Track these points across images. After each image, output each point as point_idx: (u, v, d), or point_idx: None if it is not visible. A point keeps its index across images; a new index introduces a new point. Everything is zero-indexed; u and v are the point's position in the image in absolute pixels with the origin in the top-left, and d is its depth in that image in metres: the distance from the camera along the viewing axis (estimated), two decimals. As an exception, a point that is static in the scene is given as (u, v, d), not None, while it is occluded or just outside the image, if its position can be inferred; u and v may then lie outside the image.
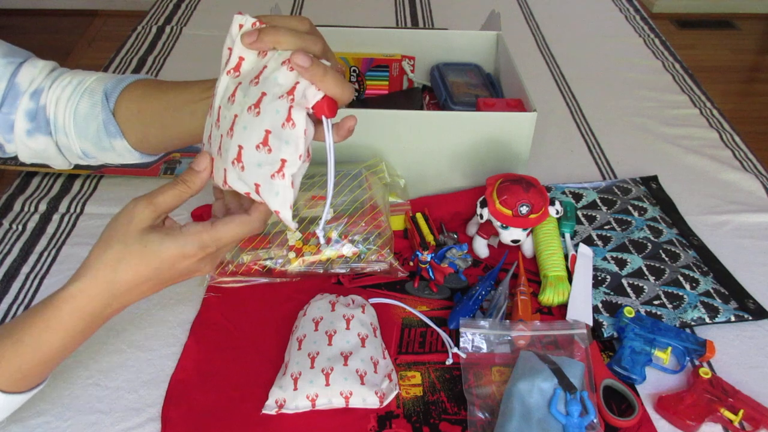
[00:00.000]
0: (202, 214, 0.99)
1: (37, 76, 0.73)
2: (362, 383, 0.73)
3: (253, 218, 0.62)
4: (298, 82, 0.56)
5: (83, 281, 0.60)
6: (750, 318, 0.86)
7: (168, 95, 0.71)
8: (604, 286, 0.89)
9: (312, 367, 0.74)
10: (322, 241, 0.67)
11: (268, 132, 0.56)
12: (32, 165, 1.09)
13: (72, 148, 0.75)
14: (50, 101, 0.73)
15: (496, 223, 0.90)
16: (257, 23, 0.59)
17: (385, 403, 0.73)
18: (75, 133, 0.73)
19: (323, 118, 0.57)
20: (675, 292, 0.88)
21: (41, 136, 0.74)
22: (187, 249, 0.60)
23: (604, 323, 0.84)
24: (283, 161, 0.57)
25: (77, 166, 0.81)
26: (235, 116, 0.58)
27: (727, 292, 0.89)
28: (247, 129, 0.57)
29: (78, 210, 1.02)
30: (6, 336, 0.60)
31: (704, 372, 0.77)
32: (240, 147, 0.58)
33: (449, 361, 0.79)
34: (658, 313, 0.85)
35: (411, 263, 0.91)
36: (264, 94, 0.56)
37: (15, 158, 0.78)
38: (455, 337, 0.82)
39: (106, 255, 0.60)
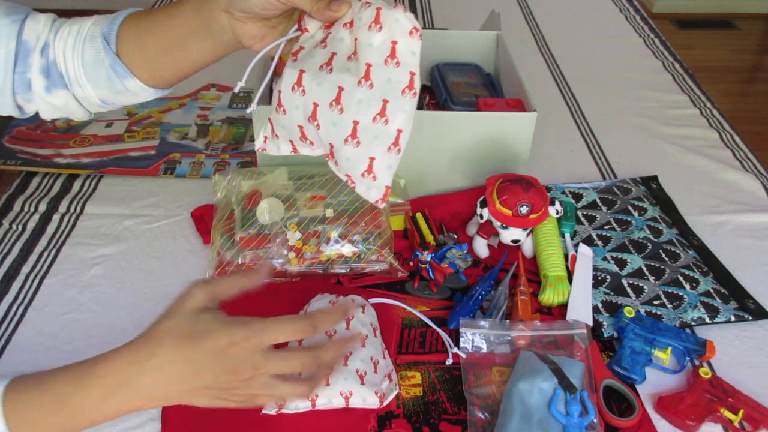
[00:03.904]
0: (202, 215, 0.99)
1: (42, 31, 0.71)
2: (362, 383, 0.73)
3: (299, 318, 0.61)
4: (395, 41, 0.57)
5: (119, 354, 0.59)
6: (750, 318, 0.86)
7: (161, 29, 0.70)
8: (604, 286, 0.89)
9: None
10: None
11: (385, 102, 0.58)
12: (30, 164, 1.09)
13: (90, 98, 0.74)
14: (58, 55, 0.71)
15: (496, 223, 0.90)
16: None
17: (385, 403, 0.73)
18: (88, 82, 0.72)
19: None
20: (675, 292, 0.88)
21: (60, 90, 0.73)
22: (235, 335, 0.57)
23: (604, 323, 0.84)
24: (399, 131, 0.58)
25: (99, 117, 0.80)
26: (340, 89, 0.59)
27: (727, 292, 0.89)
28: (362, 104, 0.58)
29: (78, 210, 1.02)
30: (42, 386, 0.58)
31: (704, 372, 0.77)
32: (355, 123, 0.58)
33: (449, 361, 0.79)
34: (658, 313, 0.85)
35: (411, 263, 0.91)
36: (369, 65, 0.57)
37: (35, 118, 0.77)
38: (455, 337, 0.82)
39: (160, 325, 0.60)
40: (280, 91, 0.64)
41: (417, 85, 0.59)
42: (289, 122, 0.64)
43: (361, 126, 0.59)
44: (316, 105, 0.61)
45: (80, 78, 0.72)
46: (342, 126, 0.60)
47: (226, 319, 0.59)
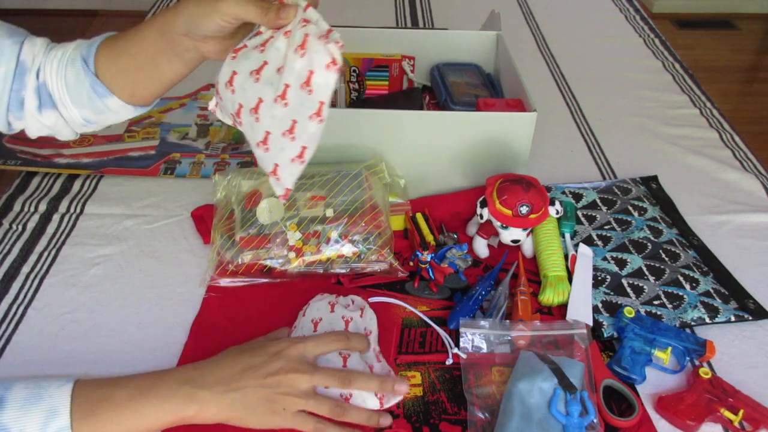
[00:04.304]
0: (202, 215, 0.99)
1: (38, 53, 0.76)
2: None
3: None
4: (312, 71, 0.62)
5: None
6: (750, 318, 0.86)
7: (131, 50, 0.75)
8: (604, 286, 0.89)
9: None
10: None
11: (294, 122, 0.64)
12: (30, 164, 1.09)
13: (75, 118, 0.78)
14: (47, 76, 0.76)
15: (496, 223, 0.90)
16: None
17: (386, 405, 0.73)
18: (71, 102, 0.77)
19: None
20: (675, 292, 0.88)
21: (49, 110, 0.77)
22: (283, 342, 0.72)
23: (604, 323, 0.84)
24: (304, 148, 0.65)
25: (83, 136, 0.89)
26: (260, 100, 0.65)
27: (727, 292, 0.89)
28: (275, 118, 0.65)
29: (78, 210, 1.02)
30: (115, 384, 0.67)
31: (704, 372, 0.77)
32: (267, 132, 0.66)
33: (449, 361, 0.79)
34: (658, 313, 0.85)
35: (411, 263, 0.91)
36: (288, 85, 0.63)
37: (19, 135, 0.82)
38: (455, 337, 0.82)
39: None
40: (217, 82, 0.70)
41: (325, 113, 0.64)
42: (224, 108, 0.72)
43: (272, 136, 0.66)
44: (240, 105, 0.68)
45: (64, 99, 0.77)
46: (256, 131, 0.67)
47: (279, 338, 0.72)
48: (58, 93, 0.76)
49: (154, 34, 0.73)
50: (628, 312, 0.83)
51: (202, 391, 0.66)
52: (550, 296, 0.86)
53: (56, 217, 1.00)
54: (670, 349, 0.80)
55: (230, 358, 0.70)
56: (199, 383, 0.66)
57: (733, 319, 0.86)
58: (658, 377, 0.79)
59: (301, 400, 0.68)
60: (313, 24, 0.64)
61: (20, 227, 0.98)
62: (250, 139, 0.69)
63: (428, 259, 0.87)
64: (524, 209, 0.87)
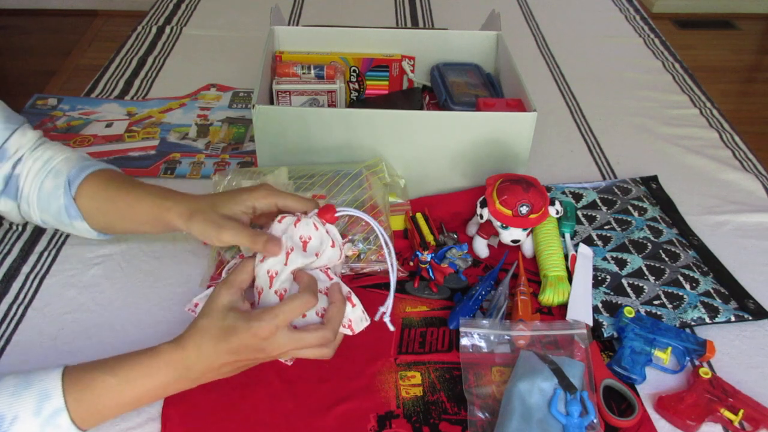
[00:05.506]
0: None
1: (24, 145, 0.81)
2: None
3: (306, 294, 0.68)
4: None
5: (176, 347, 0.67)
6: (750, 318, 0.86)
7: (120, 206, 0.79)
8: (604, 286, 0.89)
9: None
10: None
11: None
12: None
13: (32, 216, 0.83)
14: (23, 172, 0.80)
15: (496, 223, 0.90)
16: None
17: (357, 330, 0.71)
18: (37, 206, 0.81)
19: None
20: (675, 292, 0.88)
21: (8, 200, 0.82)
22: (253, 328, 0.66)
23: (604, 323, 0.84)
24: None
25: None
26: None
27: (727, 292, 0.89)
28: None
29: (78, 210, 1.02)
30: (104, 370, 0.65)
31: (704, 372, 0.77)
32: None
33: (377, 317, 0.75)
34: (658, 313, 0.85)
35: (411, 263, 0.91)
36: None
37: None
38: (455, 337, 0.82)
39: (196, 326, 0.68)
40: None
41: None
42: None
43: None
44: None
45: (32, 200, 0.81)
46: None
47: (245, 315, 0.66)
48: (28, 192, 0.80)
49: (148, 213, 0.77)
50: (628, 312, 0.83)
51: (192, 380, 0.68)
52: (550, 296, 0.86)
53: (56, 217, 1.00)
54: (670, 349, 0.80)
55: (219, 359, 0.67)
56: (188, 376, 0.67)
57: (733, 319, 0.86)
58: (658, 377, 0.79)
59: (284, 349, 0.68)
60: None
61: (20, 227, 0.98)
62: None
63: (428, 259, 0.87)
64: (524, 209, 0.87)
